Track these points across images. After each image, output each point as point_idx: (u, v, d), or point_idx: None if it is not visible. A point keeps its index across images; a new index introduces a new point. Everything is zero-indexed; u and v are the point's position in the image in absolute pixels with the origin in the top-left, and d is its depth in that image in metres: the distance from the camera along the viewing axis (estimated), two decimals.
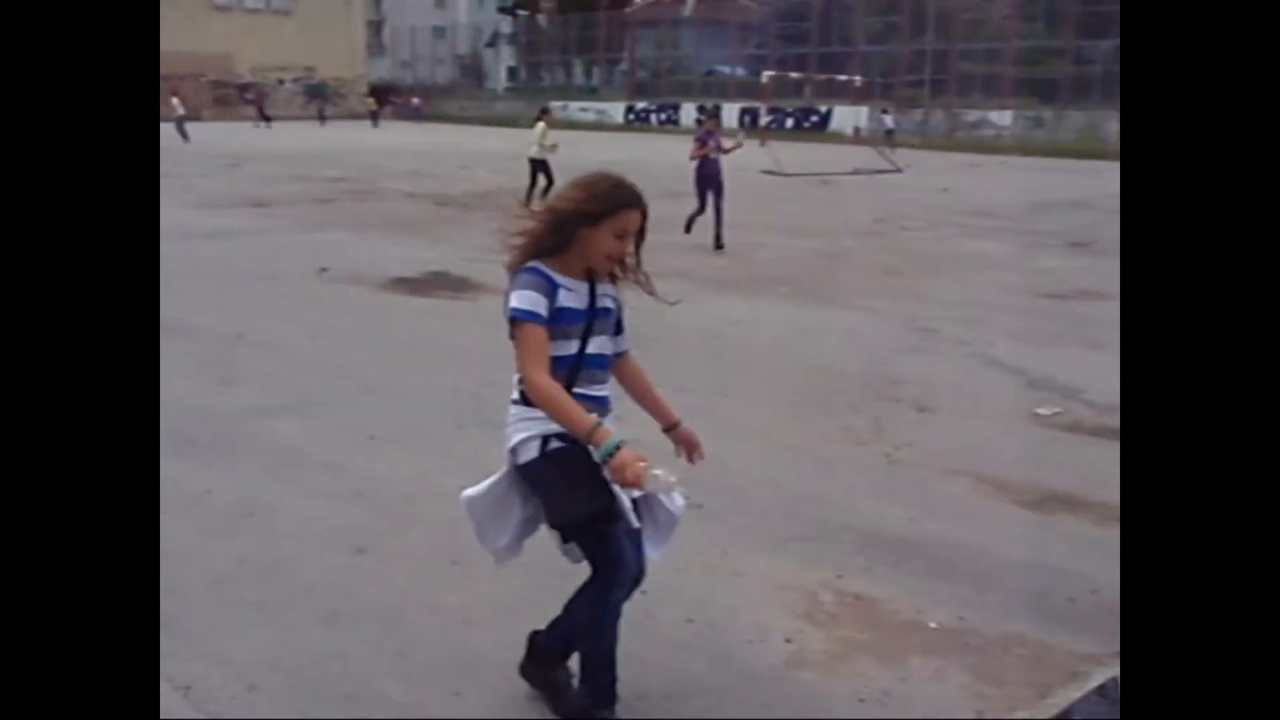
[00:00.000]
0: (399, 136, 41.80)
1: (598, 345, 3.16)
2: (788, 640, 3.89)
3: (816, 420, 6.44)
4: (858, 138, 39.56)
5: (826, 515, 5.00)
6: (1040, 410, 6.84)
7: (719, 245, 13.91)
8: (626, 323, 3.35)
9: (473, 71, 78.54)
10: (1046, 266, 12.85)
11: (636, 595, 4.22)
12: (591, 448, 2.85)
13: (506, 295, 3.07)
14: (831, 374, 7.55)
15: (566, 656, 3.49)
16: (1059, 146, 37.14)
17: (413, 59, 76.54)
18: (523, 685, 3.59)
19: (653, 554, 3.37)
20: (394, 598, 4.20)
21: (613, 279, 3.21)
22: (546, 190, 16.52)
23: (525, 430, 3.12)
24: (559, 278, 3.06)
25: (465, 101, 66.26)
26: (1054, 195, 21.86)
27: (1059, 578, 4.43)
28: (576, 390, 3.05)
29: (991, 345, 8.64)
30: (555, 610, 4.10)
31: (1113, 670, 3.65)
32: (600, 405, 3.13)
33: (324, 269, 11.72)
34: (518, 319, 2.99)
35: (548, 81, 68.86)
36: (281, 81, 62.38)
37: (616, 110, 57.14)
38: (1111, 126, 37.40)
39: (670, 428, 3.41)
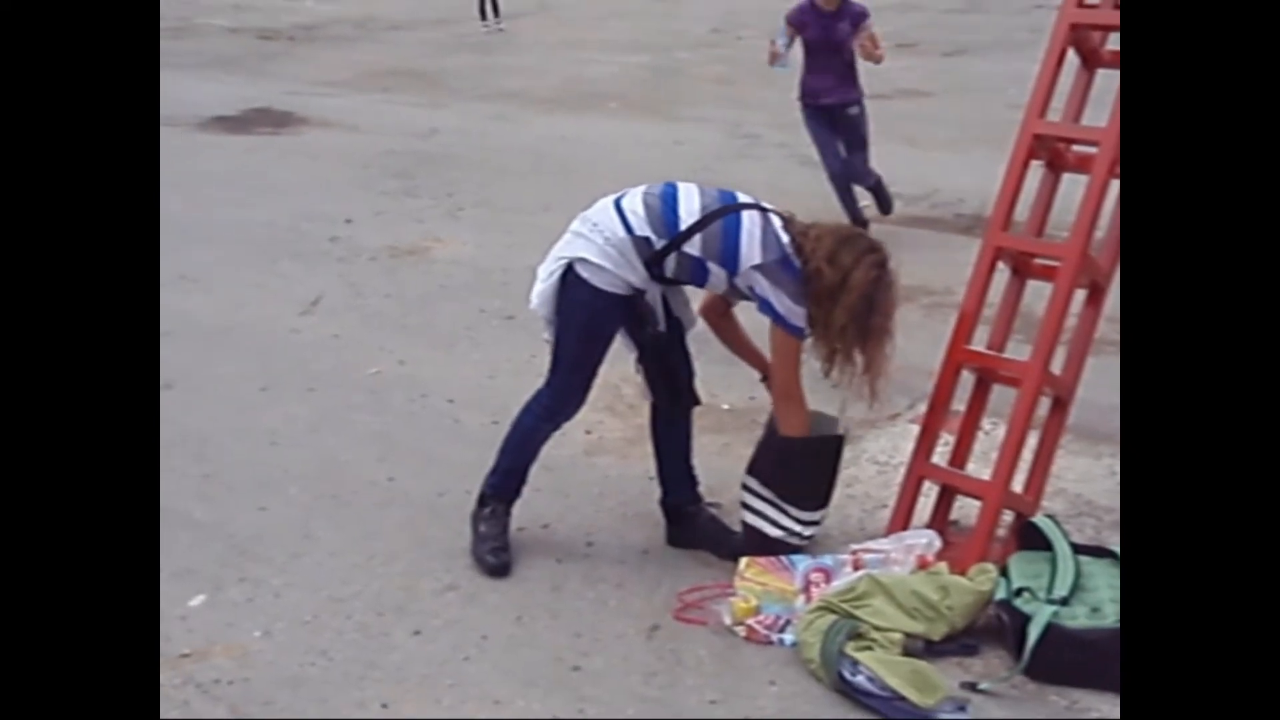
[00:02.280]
0: None
1: None
2: (588, 432, 4.07)
3: None
4: None
5: None
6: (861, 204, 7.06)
7: None
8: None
9: None
10: (871, 68, 12.98)
11: (444, 405, 4.38)
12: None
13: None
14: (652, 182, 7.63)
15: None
16: None
17: None
18: (325, 493, 3.70)
19: None
20: (201, 426, 4.24)
21: None
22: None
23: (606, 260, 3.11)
24: None
25: None
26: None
27: None
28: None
29: (809, 147, 8.78)
30: (364, 426, 4.22)
31: (884, 432, 3.93)
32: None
33: None
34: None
35: None
36: None
37: None
38: None
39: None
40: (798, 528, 3.20)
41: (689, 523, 3.40)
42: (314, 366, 4.77)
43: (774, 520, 3.20)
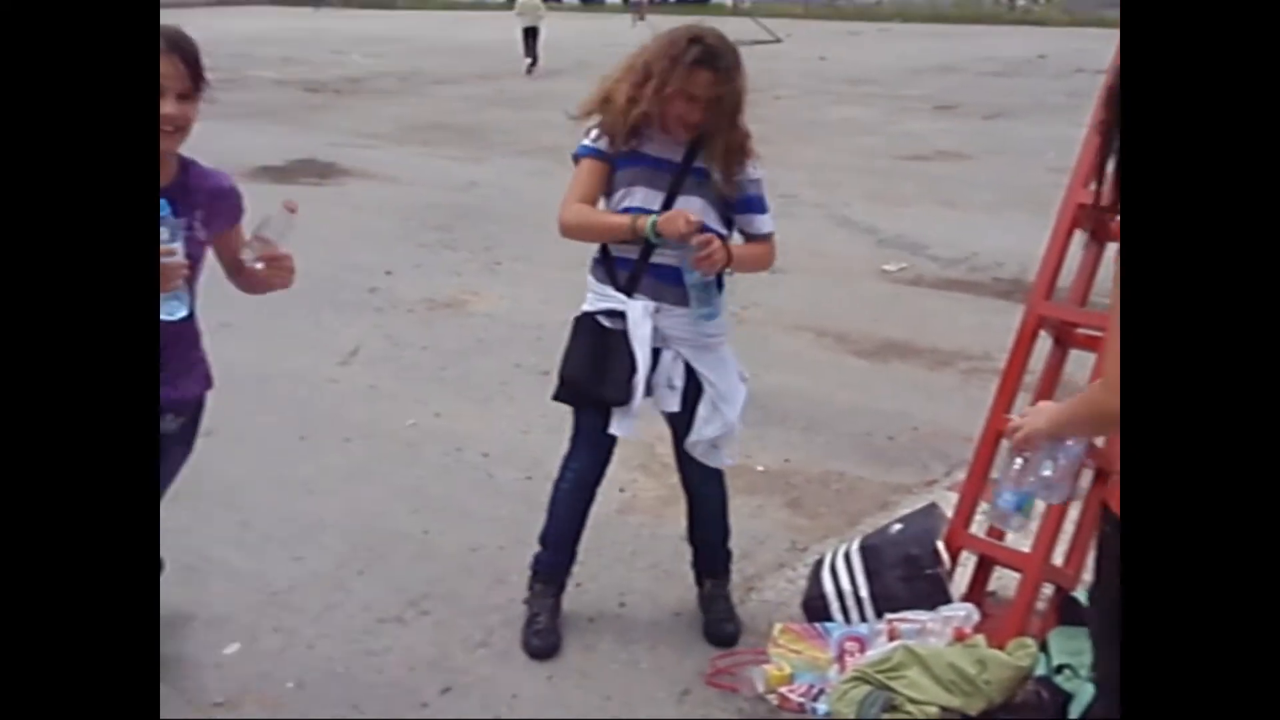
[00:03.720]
0: (268, 22, 40.23)
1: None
2: (621, 490, 4.07)
3: None
4: (738, 9, 39.16)
5: None
6: (886, 266, 7.08)
7: None
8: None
9: None
10: (911, 130, 13.08)
11: (479, 459, 4.39)
12: (638, 233, 2.82)
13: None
14: None
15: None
16: (938, 12, 37.25)
17: None
18: (359, 545, 3.71)
19: (725, 461, 3.18)
20: (239, 475, 4.26)
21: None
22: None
23: (587, 305, 3.06)
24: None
25: None
26: (927, 61, 22.05)
27: (884, 419, 4.68)
28: (652, 259, 2.93)
29: (847, 207, 8.85)
30: (398, 478, 4.24)
31: (921, 498, 3.90)
32: (676, 287, 2.93)
33: None
34: None
35: None
36: None
37: None
38: None
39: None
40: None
41: (699, 593, 3.34)
42: (351, 417, 4.81)
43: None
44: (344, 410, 4.88)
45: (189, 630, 3.26)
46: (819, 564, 3.30)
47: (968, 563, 3.27)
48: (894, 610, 3.03)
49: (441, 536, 3.79)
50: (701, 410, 3.02)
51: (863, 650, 2.95)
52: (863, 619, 3.10)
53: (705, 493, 3.26)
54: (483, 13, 45.38)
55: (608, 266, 3.01)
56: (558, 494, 3.22)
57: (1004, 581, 3.29)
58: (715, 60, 2.78)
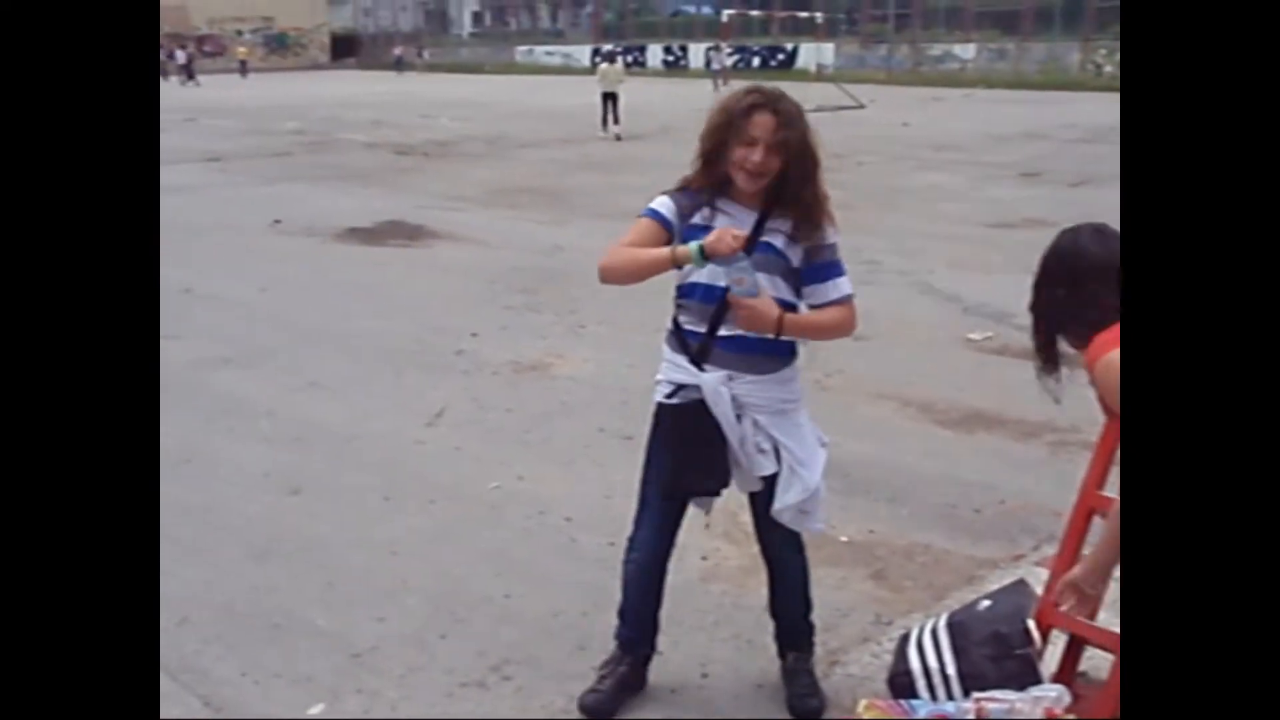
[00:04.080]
0: (360, 86, 41.41)
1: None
2: (704, 558, 4.05)
3: None
4: (820, 75, 39.37)
5: None
6: (972, 335, 7.00)
7: None
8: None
9: (437, 17, 77.49)
10: (996, 196, 12.98)
11: (562, 523, 4.40)
12: (680, 260, 2.79)
13: None
14: None
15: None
16: (1022, 79, 37.08)
17: (374, 6, 75.44)
18: (442, 608, 3.74)
19: (815, 526, 3.13)
20: (325, 534, 4.33)
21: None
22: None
23: (660, 374, 3.06)
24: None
25: (430, 48, 65.50)
26: (1012, 127, 21.92)
27: (969, 490, 4.61)
28: (720, 331, 2.91)
29: (931, 274, 8.79)
30: (482, 541, 4.27)
31: (1008, 573, 3.82)
32: (745, 355, 2.91)
33: (277, 221, 11.74)
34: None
35: (514, 26, 68.03)
36: (240, 33, 61.44)
37: (582, 53, 56.51)
38: (1073, 57, 37.42)
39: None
40: None
41: (782, 666, 3.30)
42: (436, 478, 4.86)
43: None
44: (429, 472, 4.94)
45: (274, 689, 3.30)
46: (905, 639, 3.24)
47: (1058, 641, 3.18)
48: (981, 689, 2.96)
49: (523, 600, 3.80)
50: (782, 476, 2.99)
51: None
52: (949, 697, 3.03)
53: (786, 562, 3.23)
54: (568, 77, 46.24)
55: (679, 337, 3.00)
56: (628, 570, 3.21)
57: (1095, 661, 3.21)
58: (773, 103, 2.78)
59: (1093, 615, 3.03)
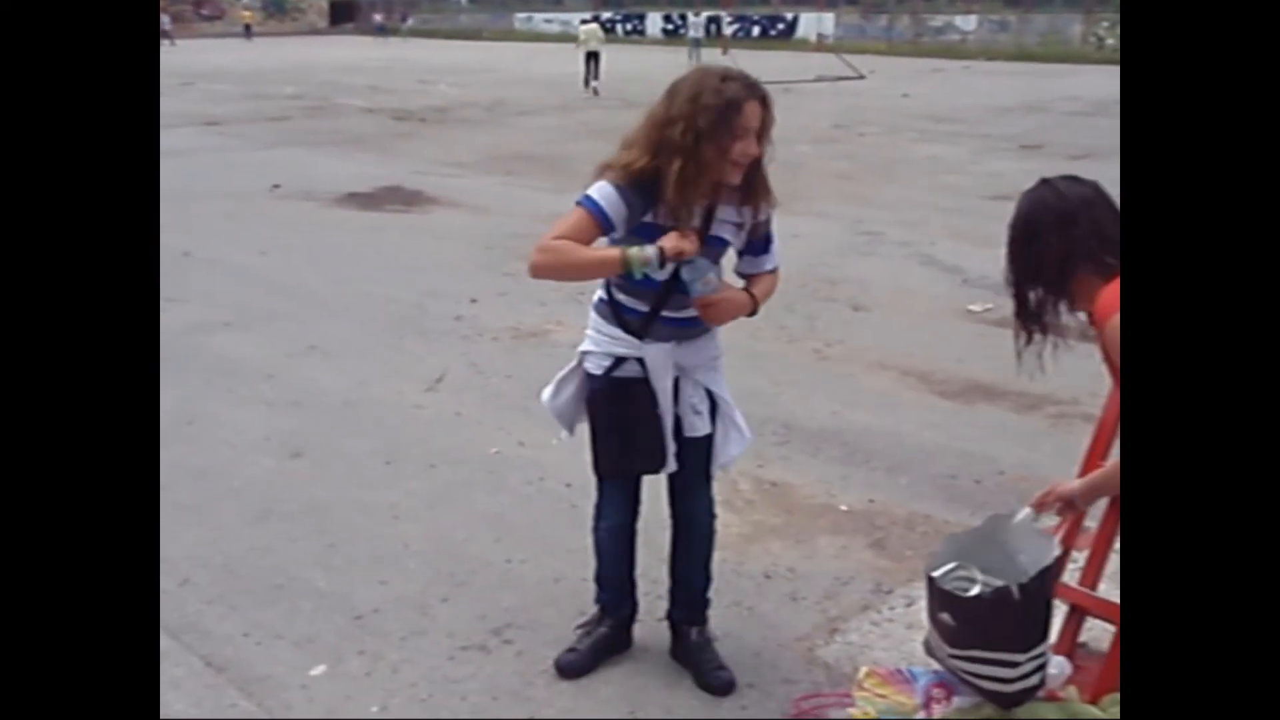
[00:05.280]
0: (359, 52, 41.11)
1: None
2: None
3: (751, 320, 6.54)
4: (821, 45, 39.17)
5: (752, 409, 5.09)
6: (972, 306, 7.00)
7: None
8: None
9: None
10: (996, 169, 12.93)
11: (562, 489, 4.39)
12: (635, 267, 2.68)
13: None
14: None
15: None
16: (1024, 50, 36.94)
17: None
18: (443, 571, 3.74)
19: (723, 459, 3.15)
20: (325, 497, 4.33)
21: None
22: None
23: (592, 343, 2.98)
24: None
25: (428, 14, 65.04)
26: (1013, 99, 21.84)
27: (969, 461, 4.62)
28: (664, 313, 2.87)
29: (932, 246, 8.78)
30: (482, 505, 4.27)
31: None
32: (685, 328, 2.92)
33: (275, 186, 11.68)
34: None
35: None
36: None
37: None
38: (1075, 30, 37.28)
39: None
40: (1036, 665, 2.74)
41: (680, 642, 3.26)
42: (436, 443, 4.86)
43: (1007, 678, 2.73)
44: (429, 436, 4.94)
45: (276, 650, 3.31)
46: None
47: (1058, 612, 3.19)
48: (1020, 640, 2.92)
49: (524, 566, 3.81)
50: (720, 429, 3.07)
51: (949, 697, 2.90)
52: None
53: (700, 524, 3.24)
54: (567, 44, 45.94)
55: (616, 312, 2.93)
56: (599, 539, 3.24)
57: (1095, 633, 3.22)
58: (757, 90, 2.68)
59: (1073, 535, 3.02)
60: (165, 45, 42.81)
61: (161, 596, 3.57)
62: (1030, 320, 2.59)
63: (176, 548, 3.85)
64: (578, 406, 3.08)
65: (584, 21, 27.51)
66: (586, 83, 23.09)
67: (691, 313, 2.87)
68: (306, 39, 55.13)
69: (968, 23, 41.92)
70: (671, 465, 3.02)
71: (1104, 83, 23.32)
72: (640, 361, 2.91)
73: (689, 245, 2.69)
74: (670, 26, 49.96)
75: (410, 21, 57.05)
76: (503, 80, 27.00)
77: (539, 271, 2.77)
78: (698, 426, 3.01)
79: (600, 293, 3.00)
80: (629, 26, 54.04)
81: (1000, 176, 12.33)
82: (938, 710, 2.86)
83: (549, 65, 30.98)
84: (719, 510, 4.11)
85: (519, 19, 57.34)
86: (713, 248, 2.84)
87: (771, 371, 5.72)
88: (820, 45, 39.59)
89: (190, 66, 31.50)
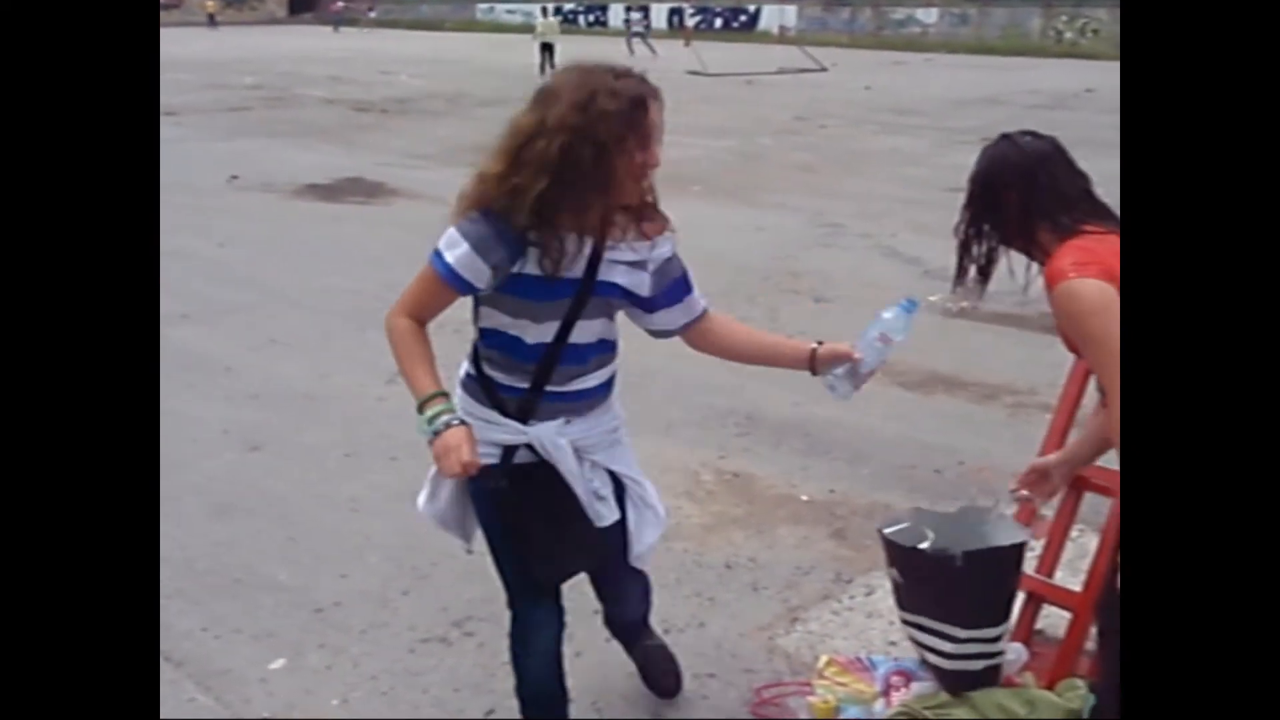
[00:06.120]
0: (319, 41, 40.76)
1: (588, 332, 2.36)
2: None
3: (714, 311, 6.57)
4: (783, 37, 39.25)
5: (714, 401, 5.17)
6: (933, 298, 7.03)
7: None
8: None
9: None
10: (957, 162, 12.91)
11: None
12: (418, 425, 2.28)
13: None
14: (734, 268, 7.68)
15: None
16: (984, 44, 37.20)
17: None
18: (405, 564, 3.73)
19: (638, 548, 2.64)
20: (286, 490, 4.31)
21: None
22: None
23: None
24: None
25: (389, 4, 64.57)
26: (973, 92, 21.98)
27: (929, 451, 4.66)
28: (548, 388, 2.35)
29: (894, 237, 8.83)
30: None
31: None
32: (576, 401, 2.41)
33: (234, 177, 11.58)
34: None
35: None
36: None
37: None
38: (1034, 23, 37.61)
39: (813, 355, 2.48)
40: (979, 649, 2.69)
41: (635, 652, 3.08)
42: (397, 436, 4.82)
43: (945, 651, 2.69)
44: (391, 429, 4.91)
45: (235, 644, 3.29)
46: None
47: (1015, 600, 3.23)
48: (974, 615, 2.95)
49: (485, 558, 3.71)
50: (632, 514, 2.57)
51: (908, 684, 2.93)
52: None
53: (631, 595, 2.91)
54: (529, 35, 45.79)
55: (488, 390, 2.41)
56: (528, 670, 2.66)
57: (1051, 620, 3.26)
58: (653, 87, 2.22)
59: (1028, 523, 3.05)
60: None
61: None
62: (970, 266, 2.55)
63: None
64: (465, 509, 2.58)
65: (544, 13, 27.67)
66: (542, 71, 23.43)
67: (582, 384, 2.39)
68: (266, 28, 54.60)
69: (929, 16, 42.13)
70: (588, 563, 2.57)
71: (1063, 76, 23.56)
72: (531, 447, 2.39)
73: (449, 469, 2.21)
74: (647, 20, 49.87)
75: (374, 13, 56.53)
76: (465, 71, 26.87)
77: (388, 337, 2.44)
78: (603, 515, 2.48)
79: (468, 366, 2.48)
80: (591, 18, 53.91)
81: (961, 169, 12.23)
82: (897, 697, 2.89)
83: (511, 56, 30.82)
84: (681, 501, 4.16)
85: (480, 9, 57.02)
86: (604, 298, 2.32)
87: (734, 364, 5.72)
88: (782, 37, 39.65)
89: None
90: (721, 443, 4.73)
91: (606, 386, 2.49)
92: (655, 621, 3.41)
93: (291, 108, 18.91)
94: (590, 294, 2.28)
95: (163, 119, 16.75)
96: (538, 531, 2.41)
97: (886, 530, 2.71)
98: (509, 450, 2.39)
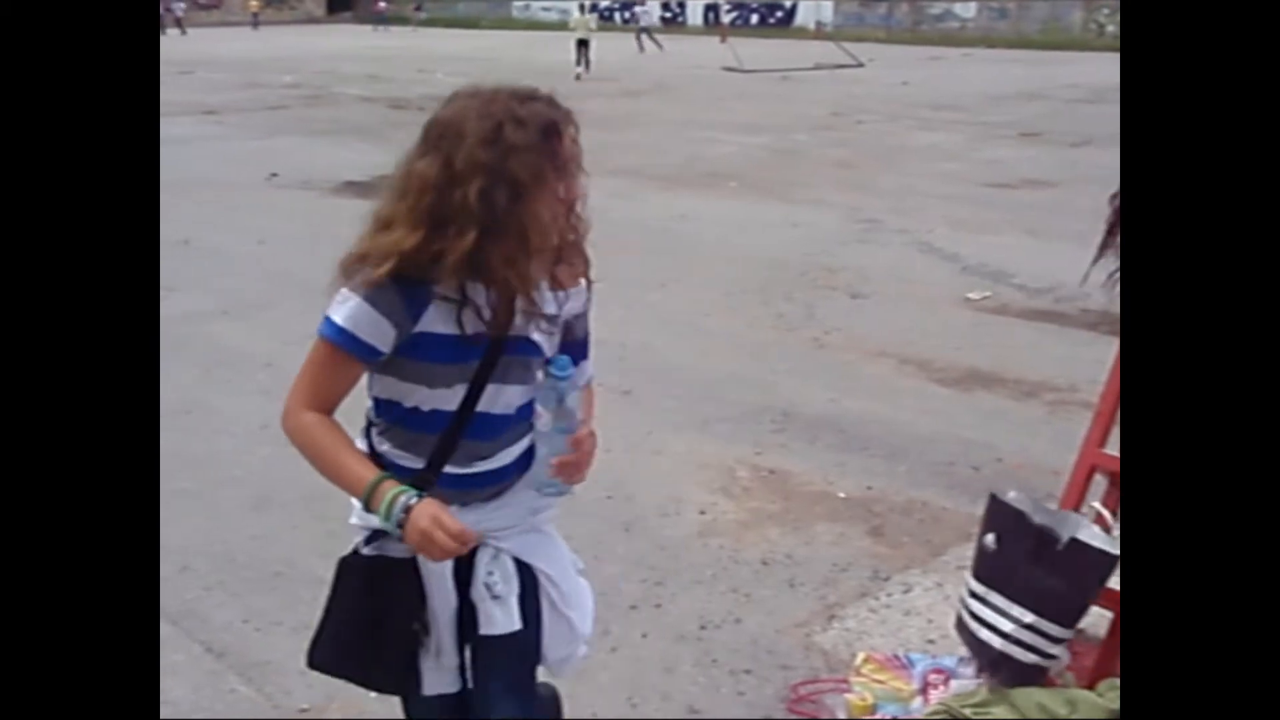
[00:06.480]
0: (356, 41, 40.99)
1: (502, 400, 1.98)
2: (701, 512, 4.07)
3: (749, 308, 6.56)
4: (820, 33, 39.07)
5: (750, 397, 5.16)
6: (971, 294, 6.99)
7: None
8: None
9: None
10: (995, 157, 12.93)
11: None
12: (379, 517, 1.89)
13: None
14: (770, 265, 7.66)
15: None
16: (1023, 38, 36.88)
17: None
18: None
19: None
20: (325, 484, 4.29)
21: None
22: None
23: (353, 510, 2.12)
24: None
25: (426, 2, 64.85)
26: (1012, 87, 21.80)
27: (967, 448, 4.63)
28: (447, 469, 1.98)
29: (931, 234, 8.77)
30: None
31: None
32: (479, 488, 2.04)
33: (273, 175, 11.67)
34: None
35: None
36: None
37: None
38: (1075, 17, 37.23)
39: None
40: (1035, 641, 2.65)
41: None
42: None
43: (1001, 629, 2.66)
44: None
45: (276, 636, 3.32)
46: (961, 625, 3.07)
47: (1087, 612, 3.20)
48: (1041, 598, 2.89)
49: None
50: (546, 623, 2.13)
51: (946, 683, 2.91)
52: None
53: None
54: (565, 33, 45.85)
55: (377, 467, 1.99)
56: None
57: (1091, 619, 3.23)
58: (567, 111, 1.95)
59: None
60: (176, 34, 42.80)
61: (161, 583, 3.57)
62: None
63: (176, 535, 3.85)
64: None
65: (580, 10, 27.72)
66: (578, 64, 24.09)
67: (488, 465, 2.02)
68: (304, 28, 54.98)
69: (967, 10, 41.80)
70: (450, 684, 2.09)
71: (1104, 70, 23.27)
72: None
73: (439, 553, 1.83)
74: (669, 15, 49.79)
75: (423, 13, 56.42)
76: (501, 69, 26.87)
77: (292, 439, 2.08)
78: (495, 619, 2.05)
79: (360, 441, 2.12)
80: (627, 15, 53.87)
81: (999, 164, 12.33)
82: (935, 695, 2.87)
83: (547, 53, 30.86)
84: (717, 497, 4.15)
85: (516, 7, 57.11)
86: (522, 357, 1.97)
87: (769, 359, 5.72)
88: (819, 33, 39.46)
89: (191, 55, 31.43)
90: (757, 439, 4.72)
91: (518, 465, 2.08)
92: (692, 617, 3.42)
93: (329, 106, 19.04)
94: (503, 353, 1.93)
95: (203, 118, 16.95)
96: (352, 630, 2.08)
97: (1000, 495, 2.72)
98: (375, 534, 2.05)
